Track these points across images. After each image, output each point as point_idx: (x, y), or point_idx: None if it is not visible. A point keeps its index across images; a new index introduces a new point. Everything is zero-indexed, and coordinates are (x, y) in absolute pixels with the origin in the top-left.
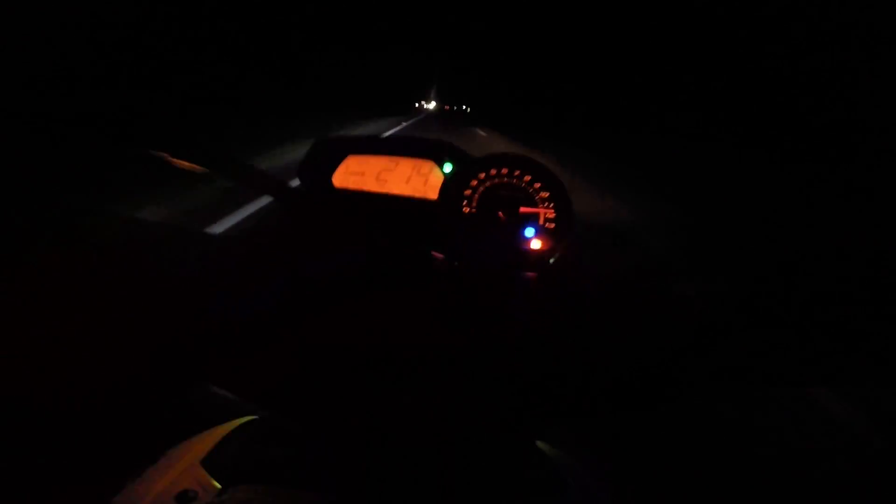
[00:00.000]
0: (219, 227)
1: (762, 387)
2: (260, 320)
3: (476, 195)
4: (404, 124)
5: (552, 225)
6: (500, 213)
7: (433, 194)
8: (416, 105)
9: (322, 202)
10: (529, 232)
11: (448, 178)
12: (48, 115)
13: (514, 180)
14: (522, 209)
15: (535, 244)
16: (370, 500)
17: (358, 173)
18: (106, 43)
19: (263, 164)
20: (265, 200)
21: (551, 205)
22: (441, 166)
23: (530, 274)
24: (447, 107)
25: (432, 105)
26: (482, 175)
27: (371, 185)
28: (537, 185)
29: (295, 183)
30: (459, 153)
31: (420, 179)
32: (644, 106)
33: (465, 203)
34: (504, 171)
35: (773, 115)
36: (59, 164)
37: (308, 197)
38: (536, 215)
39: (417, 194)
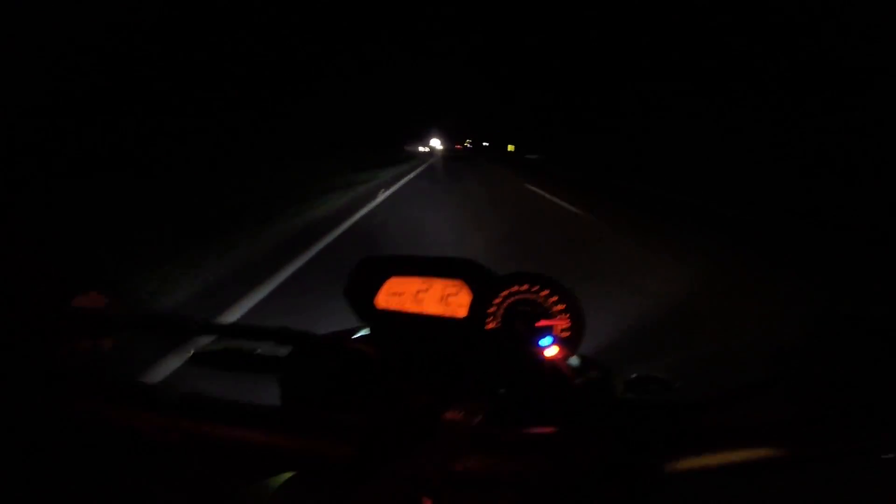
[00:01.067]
0: None
1: None
2: None
3: (500, 311)
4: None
5: (566, 334)
6: (519, 327)
7: (462, 312)
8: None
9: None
10: (545, 342)
11: (475, 299)
12: None
13: (532, 295)
14: (538, 324)
15: (550, 352)
16: None
17: (398, 294)
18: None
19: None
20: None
21: (566, 316)
22: (471, 290)
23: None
24: (458, 145)
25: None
26: (505, 293)
27: (409, 306)
28: (553, 298)
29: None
30: (485, 273)
31: (451, 300)
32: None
33: (489, 319)
34: (524, 287)
35: None
36: None
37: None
38: (552, 327)
39: (448, 314)
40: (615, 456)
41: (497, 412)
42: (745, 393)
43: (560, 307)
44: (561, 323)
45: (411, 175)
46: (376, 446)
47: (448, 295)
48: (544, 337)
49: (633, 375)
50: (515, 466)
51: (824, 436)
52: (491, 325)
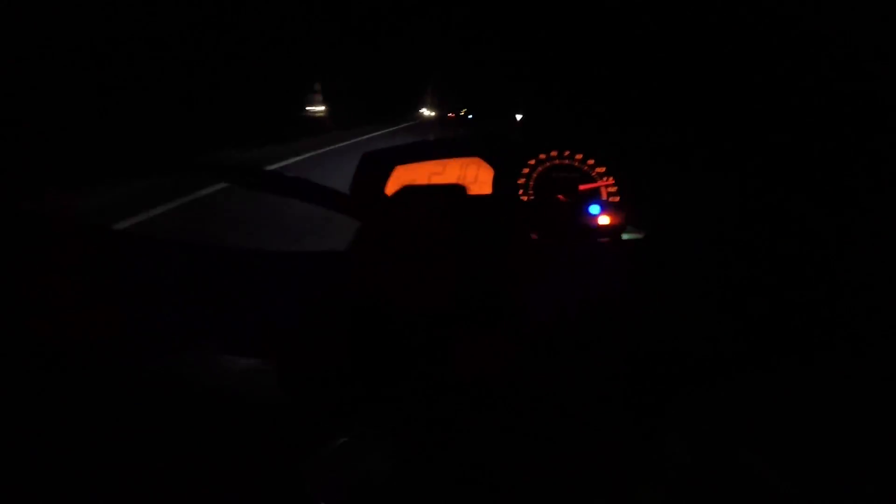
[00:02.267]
0: None
1: None
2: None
3: (531, 182)
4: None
5: (616, 198)
6: (560, 196)
7: (487, 189)
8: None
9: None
10: (594, 209)
11: (498, 172)
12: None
13: (566, 161)
14: (581, 187)
15: (604, 220)
16: None
17: (409, 181)
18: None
19: None
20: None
21: (610, 178)
22: (491, 165)
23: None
24: (452, 114)
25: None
26: (532, 161)
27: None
28: (590, 161)
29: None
30: (504, 143)
31: (471, 177)
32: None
33: (521, 192)
34: (553, 153)
35: None
36: None
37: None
38: (597, 190)
39: (471, 192)
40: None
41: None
42: None
43: (601, 169)
44: (607, 186)
45: None
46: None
47: (467, 175)
48: (592, 204)
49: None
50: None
51: None
52: (527, 197)
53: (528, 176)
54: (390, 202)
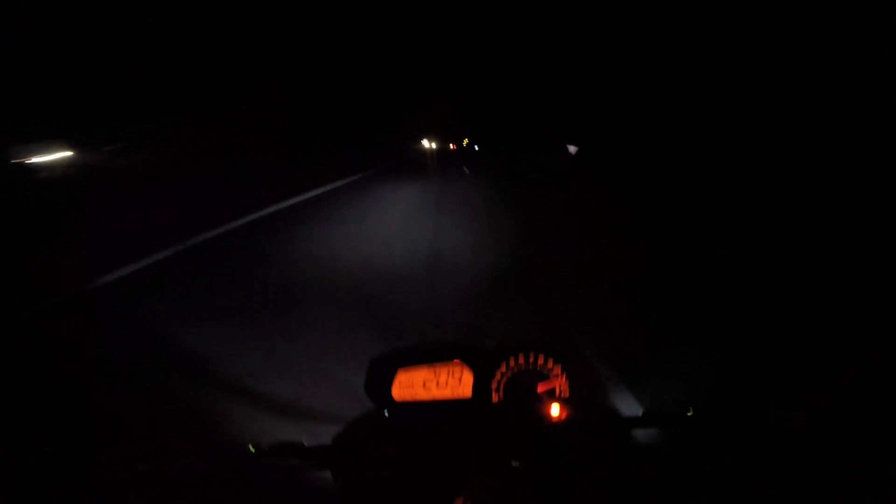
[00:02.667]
0: None
1: None
2: None
3: (501, 385)
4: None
5: (567, 394)
6: (522, 395)
7: (468, 392)
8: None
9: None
10: (554, 408)
11: (476, 378)
12: None
13: (529, 365)
14: (540, 388)
15: (555, 412)
16: None
17: (408, 386)
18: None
19: None
20: None
21: (563, 377)
22: (471, 370)
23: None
24: (454, 145)
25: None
26: (503, 367)
27: (420, 394)
28: (549, 363)
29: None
30: (483, 352)
31: (455, 382)
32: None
33: (492, 394)
34: (521, 359)
35: None
36: None
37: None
38: (553, 389)
39: (456, 395)
40: None
41: (511, 485)
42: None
43: (556, 370)
44: (560, 384)
45: None
46: None
47: (453, 378)
48: (545, 400)
49: (643, 412)
50: None
51: None
52: (497, 399)
53: (499, 381)
54: (397, 411)
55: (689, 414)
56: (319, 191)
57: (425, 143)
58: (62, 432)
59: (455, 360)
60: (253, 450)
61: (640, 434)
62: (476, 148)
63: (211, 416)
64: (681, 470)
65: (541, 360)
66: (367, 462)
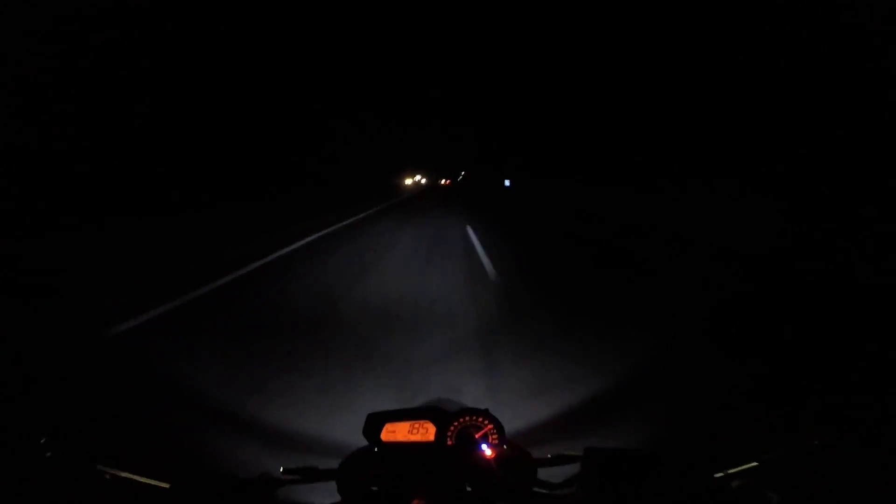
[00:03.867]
0: None
1: None
2: None
3: (454, 434)
4: None
5: (495, 440)
6: (466, 440)
7: (432, 438)
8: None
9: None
10: (484, 447)
11: (437, 430)
12: None
13: (472, 421)
14: (477, 434)
15: (488, 452)
16: None
17: (392, 432)
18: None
19: None
20: None
21: (493, 428)
22: (434, 424)
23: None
24: (446, 181)
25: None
26: (456, 423)
27: (401, 437)
28: (484, 421)
29: None
30: (444, 414)
31: (424, 430)
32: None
33: (449, 440)
34: (466, 418)
35: None
36: None
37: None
38: (486, 436)
39: (424, 440)
40: None
41: (461, 495)
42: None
43: (489, 425)
44: (490, 434)
45: None
46: None
47: (422, 429)
48: (482, 444)
49: (549, 456)
50: None
51: None
52: (450, 443)
53: (452, 431)
54: (384, 448)
55: (579, 455)
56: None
57: (418, 177)
58: None
59: (424, 420)
60: (281, 470)
61: (544, 471)
62: (507, 183)
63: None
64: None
65: (478, 419)
66: (364, 479)
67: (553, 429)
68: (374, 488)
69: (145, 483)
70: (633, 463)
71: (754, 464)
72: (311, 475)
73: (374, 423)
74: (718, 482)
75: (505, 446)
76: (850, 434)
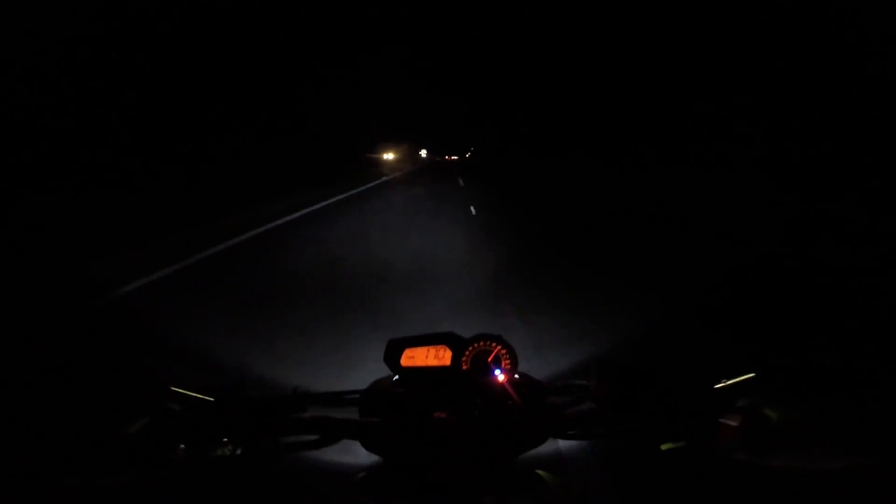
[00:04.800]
0: None
1: None
2: None
3: (468, 359)
4: None
5: (508, 365)
6: (479, 364)
7: (448, 362)
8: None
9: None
10: (497, 372)
11: (453, 355)
12: None
13: (486, 347)
14: (489, 359)
15: (500, 377)
16: None
17: (411, 357)
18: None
19: None
20: None
21: (506, 353)
22: (451, 349)
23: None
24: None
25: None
26: (470, 349)
27: (420, 362)
28: (497, 346)
29: None
30: (460, 340)
31: (440, 355)
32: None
33: (464, 364)
34: (481, 343)
35: None
36: None
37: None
38: (499, 360)
39: (440, 364)
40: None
41: (478, 416)
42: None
43: (503, 350)
44: (503, 359)
45: None
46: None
47: (440, 354)
48: (496, 369)
49: (559, 384)
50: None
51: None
52: (465, 367)
53: (467, 356)
54: (404, 372)
55: (586, 384)
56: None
57: (423, 153)
58: None
59: (441, 345)
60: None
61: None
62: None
63: None
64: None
65: (492, 345)
66: (385, 402)
67: None
68: (394, 410)
69: (194, 397)
70: (640, 375)
71: (751, 375)
72: (337, 401)
73: (394, 349)
74: (719, 392)
75: (517, 375)
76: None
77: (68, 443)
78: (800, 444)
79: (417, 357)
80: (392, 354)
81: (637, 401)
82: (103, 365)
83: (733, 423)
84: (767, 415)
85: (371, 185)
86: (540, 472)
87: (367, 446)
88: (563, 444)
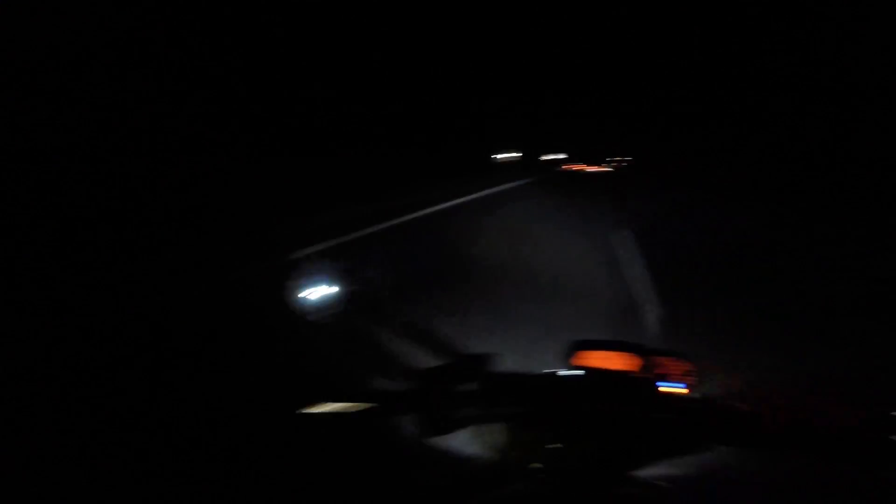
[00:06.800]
0: None
1: None
2: None
3: (650, 371)
4: None
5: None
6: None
7: (636, 368)
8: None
9: None
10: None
11: (643, 364)
12: None
13: (669, 362)
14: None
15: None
16: None
17: (583, 359)
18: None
19: None
20: None
21: (685, 368)
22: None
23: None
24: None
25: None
26: (654, 361)
27: (593, 364)
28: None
29: None
30: (647, 349)
31: (626, 362)
32: None
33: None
34: (664, 358)
35: None
36: None
37: None
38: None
39: (626, 368)
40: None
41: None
42: None
43: (689, 367)
44: (679, 374)
45: None
46: None
47: (625, 360)
48: (671, 382)
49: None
50: None
51: None
52: (649, 376)
53: (650, 368)
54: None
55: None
56: None
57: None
58: None
59: (628, 352)
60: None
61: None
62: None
63: None
64: None
65: (674, 360)
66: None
67: None
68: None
69: None
70: None
71: None
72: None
73: (573, 347)
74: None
75: (692, 390)
76: None
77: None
78: None
79: (600, 360)
80: (568, 352)
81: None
82: None
83: None
84: None
85: None
86: None
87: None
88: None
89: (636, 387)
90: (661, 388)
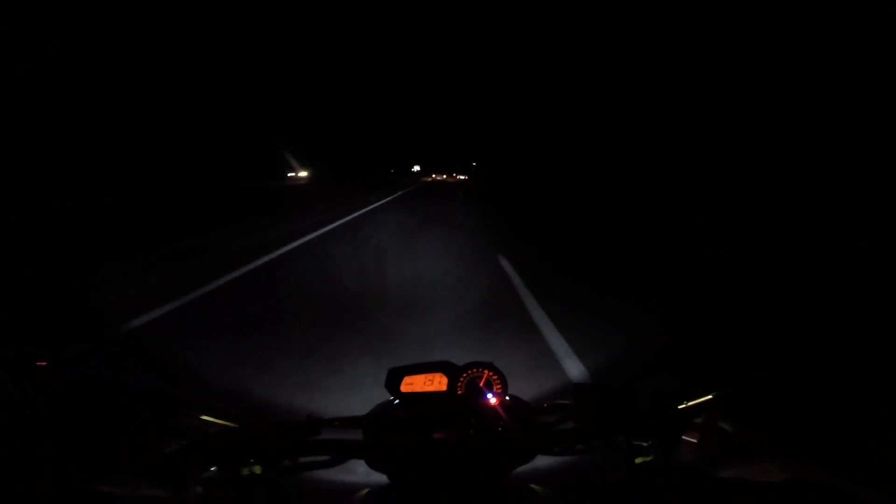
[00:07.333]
0: None
1: None
2: None
3: (463, 384)
4: None
5: (498, 389)
6: (473, 389)
7: (444, 388)
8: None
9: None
10: (490, 395)
11: (449, 382)
12: None
13: (477, 371)
14: (481, 384)
15: (493, 400)
16: None
17: (410, 384)
18: None
19: None
20: None
21: (497, 379)
22: (447, 376)
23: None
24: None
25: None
26: (464, 375)
27: (418, 388)
28: (489, 372)
29: None
30: (455, 368)
31: (437, 382)
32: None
33: (459, 389)
34: (474, 371)
35: None
36: None
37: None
38: (489, 382)
39: (437, 390)
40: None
41: (474, 436)
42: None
43: (495, 376)
44: (495, 384)
45: None
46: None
47: (436, 380)
48: (488, 393)
49: (545, 405)
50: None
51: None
52: (460, 392)
53: (462, 382)
54: (403, 397)
55: (569, 403)
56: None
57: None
58: None
59: (437, 372)
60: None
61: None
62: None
63: None
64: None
65: (485, 370)
66: (387, 425)
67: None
68: (397, 432)
69: (219, 423)
70: (614, 397)
71: (710, 396)
72: (345, 424)
73: (394, 377)
74: (682, 412)
75: (507, 397)
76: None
77: (111, 457)
78: (748, 456)
79: (416, 384)
80: (393, 381)
81: (613, 419)
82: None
83: (693, 439)
84: (723, 430)
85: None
86: (533, 486)
87: (372, 465)
88: (551, 459)
89: (447, 405)
90: (470, 403)
